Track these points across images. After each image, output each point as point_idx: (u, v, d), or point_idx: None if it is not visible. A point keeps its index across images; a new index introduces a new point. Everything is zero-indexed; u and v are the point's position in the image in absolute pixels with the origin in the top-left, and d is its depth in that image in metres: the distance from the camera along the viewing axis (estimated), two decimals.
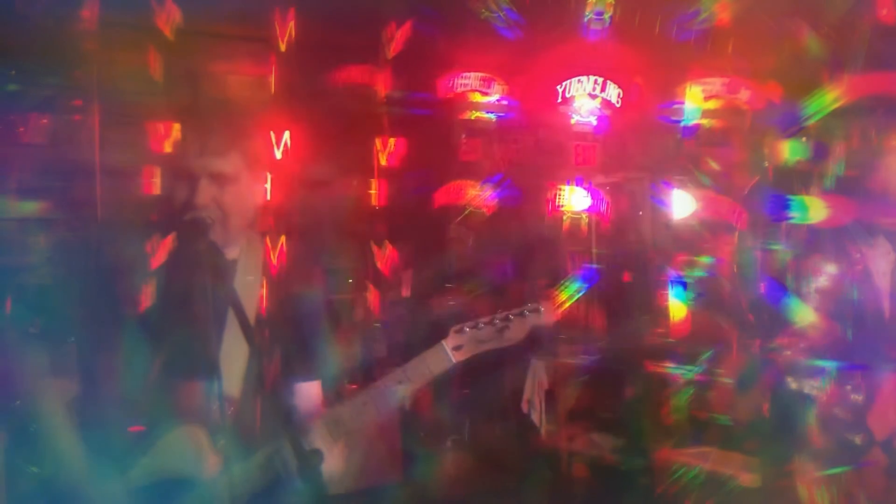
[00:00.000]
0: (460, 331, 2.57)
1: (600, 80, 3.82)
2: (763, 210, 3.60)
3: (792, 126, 3.56)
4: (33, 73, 3.60)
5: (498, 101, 3.85)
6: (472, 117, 3.84)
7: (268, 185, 4.02)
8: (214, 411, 2.55)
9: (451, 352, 2.55)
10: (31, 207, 3.57)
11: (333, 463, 2.60)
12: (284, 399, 2.65)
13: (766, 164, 3.59)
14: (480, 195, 3.67)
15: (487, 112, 3.85)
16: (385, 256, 3.91)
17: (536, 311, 2.62)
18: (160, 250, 3.90)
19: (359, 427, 2.55)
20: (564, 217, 3.75)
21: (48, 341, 3.15)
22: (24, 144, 3.65)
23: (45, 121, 3.70)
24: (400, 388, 2.57)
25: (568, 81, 3.85)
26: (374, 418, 2.55)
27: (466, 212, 3.68)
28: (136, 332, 3.41)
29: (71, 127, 3.75)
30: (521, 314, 2.58)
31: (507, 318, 2.56)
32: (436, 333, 2.87)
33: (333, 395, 2.68)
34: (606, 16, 3.83)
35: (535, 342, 3.35)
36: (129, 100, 3.81)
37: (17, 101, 3.59)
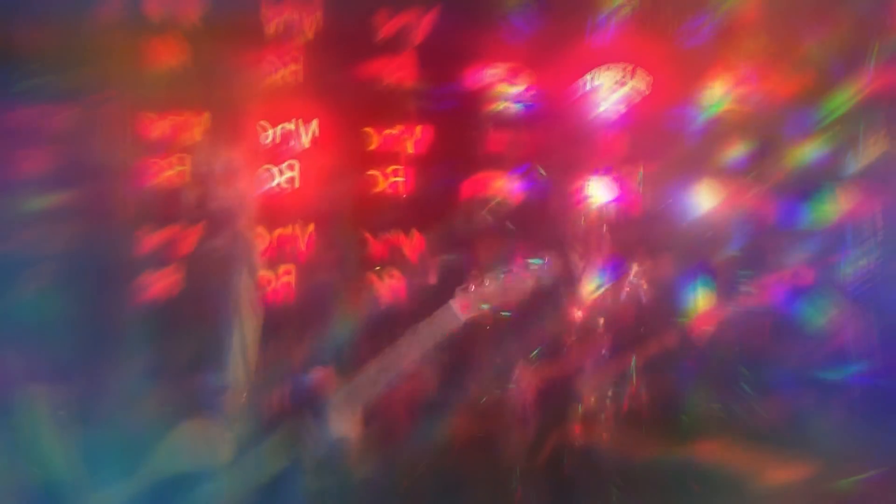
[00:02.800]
0: (466, 289, 2.57)
1: (628, 68, 3.78)
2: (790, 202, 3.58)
3: (816, 119, 3.52)
4: (59, 66, 3.64)
5: (525, 91, 3.83)
6: (499, 108, 3.83)
7: (296, 174, 4.11)
8: (231, 397, 2.61)
9: (458, 310, 2.55)
10: (56, 199, 3.65)
11: (352, 433, 2.62)
12: (301, 382, 2.70)
13: (795, 155, 3.56)
14: (507, 186, 3.66)
15: (514, 102, 3.84)
16: (412, 245, 3.94)
17: (539, 266, 2.60)
18: (186, 240, 3.95)
19: (375, 394, 2.56)
20: (591, 207, 3.75)
21: (65, 333, 3.21)
22: (51, 137, 3.71)
23: (70, 113, 3.76)
24: (411, 351, 2.59)
25: (595, 71, 3.82)
26: (389, 383, 2.56)
27: (493, 202, 3.68)
28: (156, 321, 3.46)
29: (98, 119, 3.81)
30: (525, 268, 2.57)
31: (510, 272, 2.55)
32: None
33: (349, 370, 2.68)
34: (634, 4, 3.79)
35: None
36: (157, 92, 3.86)
37: (43, 94, 3.64)
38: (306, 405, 2.56)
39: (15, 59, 3.64)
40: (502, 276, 2.56)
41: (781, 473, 3.14)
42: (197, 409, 2.66)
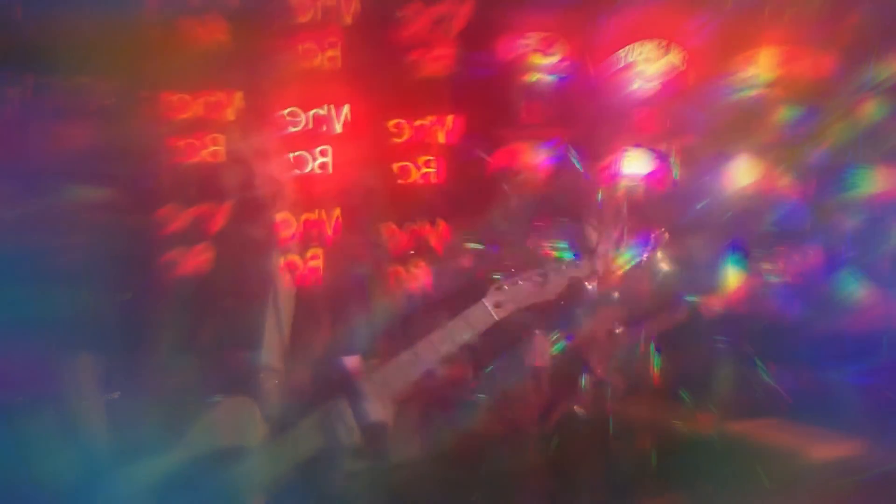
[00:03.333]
0: (500, 288, 2.53)
1: (664, 43, 3.78)
2: (829, 179, 3.50)
3: (860, 92, 3.46)
4: (96, 44, 3.69)
5: (559, 62, 3.83)
6: (533, 79, 3.83)
7: (329, 160, 4.11)
8: (263, 380, 2.60)
9: (492, 309, 2.52)
10: (96, 192, 3.66)
11: (384, 419, 2.60)
12: (331, 367, 2.67)
13: (835, 131, 3.49)
14: (537, 159, 3.62)
15: (548, 74, 3.83)
16: (439, 235, 3.90)
17: (573, 264, 2.59)
18: (216, 220, 3.94)
19: (404, 386, 2.54)
20: (623, 183, 3.69)
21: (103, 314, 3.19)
22: (86, 115, 3.75)
23: (108, 102, 3.80)
24: (443, 346, 2.58)
25: (631, 45, 3.82)
26: (418, 377, 2.54)
27: (520, 177, 3.64)
28: (189, 299, 3.44)
29: (133, 98, 3.85)
30: (559, 267, 2.55)
31: (544, 273, 2.52)
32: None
33: (379, 359, 2.66)
34: None
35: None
36: (192, 72, 3.91)
37: (79, 72, 3.70)
38: (338, 390, 2.56)
39: (52, 37, 3.72)
40: (536, 276, 2.55)
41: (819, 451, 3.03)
42: (233, 387, 2.65)
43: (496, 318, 2.53)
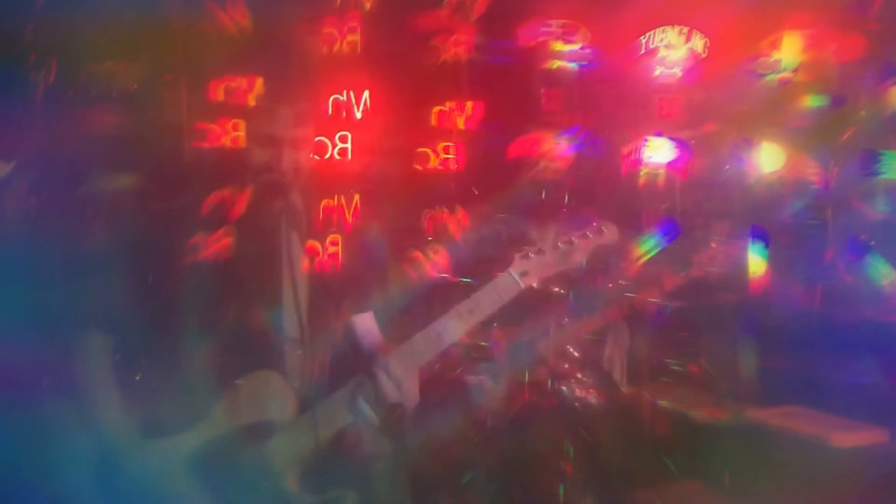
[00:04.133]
0: (525, 256, 2.50)
1: (685, 29, 3.74)
2: (855, 165, 3.45)
3: (891, 76, 3.40)
4: (121, 29, 3.70)
5: (580, 49, 3.80)
6: (554, 66, 3.81)
7: (349, 146, 4.11)
8: (288, 355, 2.61)
9: (518, 278, 2.49)
10: (120, 177, 3.68)
11: (407, 394, 2.60)
12: (353, 344, 2.67)
13: (861, 116, 3.44)
14: (557, 147, 3.61)
15: (569, 61, 3.81)
16: (458, 220, 3.89)
17: (598, 231, 2.54)
18: (238, 205, 3.95)
19: (432, 356, 2.54)
20: (643, 171, 3.67)
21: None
22: (111, 100, 3.77)
23: (131, 88, 3.81)
24: (471, 316, 2.57)
25: (652, 32, 3.78)
26: (446, 347, 2.54)
27: (541, 166, 3.62)
28: (212, 280, 3.47)
29: (157, 83, 3.86)
30: (584, 235, 2.51)
31: (569, 241, 2.49)
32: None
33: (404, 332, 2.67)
34: None
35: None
36: (215, 56, 3.92)
37: (104, 57, 3.71)
38: (360, 368, 2.56)
39: (75, 24, 3.74)
40: (561, 243, 2.51)
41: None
42: (259, 363, 2.68)
43: (522, 286, 2.49)
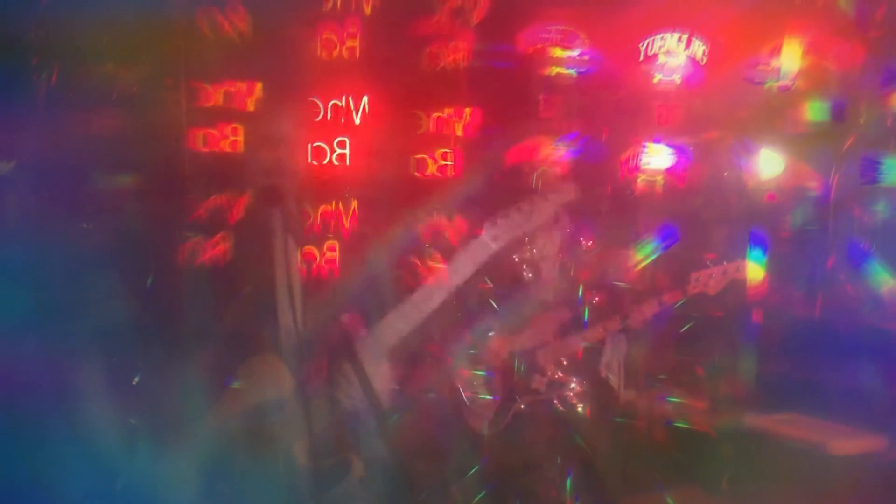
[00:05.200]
0: (493, 223, 2.76)
1: (685, 36, 3.73)
2: (855, 172, 3.44)
3: (891, 84, 3.39)
4: (120, 34, 3.71)
5: (579, 55, 3.80)
6: (553, 73, 3.81)
7: (347, 151, 4.10)
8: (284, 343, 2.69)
9: (490, 241, 2.74)
10: (119, 179, 3.69)
11: (384, 379, 2.74)
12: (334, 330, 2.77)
13: (862, 123, 3.43)
14: (555, 153, 3.59)
15: (568, 67, 3.81)
16: (455, 224, 3.88)
17: (558, 192, 2.84)
18: (236, 208, 3.96)
19: (409, 329, 2.67)
20: (641, 177, 3.66)
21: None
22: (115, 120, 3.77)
23: (131, 92, 3.81)
24: (445, 283, 2.76)
25: (651, 38, 3.78)
26: (422, 319, 2.67)
27: (538, 171, 3.61)
28: (210, 280, 3.48)
29: (156, 87, 3.87)
30: (545, 197, 2.80)
31: (531, 201, 2.77)
32: None
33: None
34: None
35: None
36: (214, 62, 3.92)
37: (103, 61, 3.72)
38: (340, 352, 2.65)
39: (76, 27, 3.75)
40: (525, 206, 2.78)
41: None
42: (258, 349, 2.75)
43: (493, 247, 2.74)
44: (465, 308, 3.10)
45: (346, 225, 4.00)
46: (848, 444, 3.04)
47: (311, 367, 2.59)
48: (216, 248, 3.85)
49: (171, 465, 2.51)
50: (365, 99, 4.02)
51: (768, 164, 3.57)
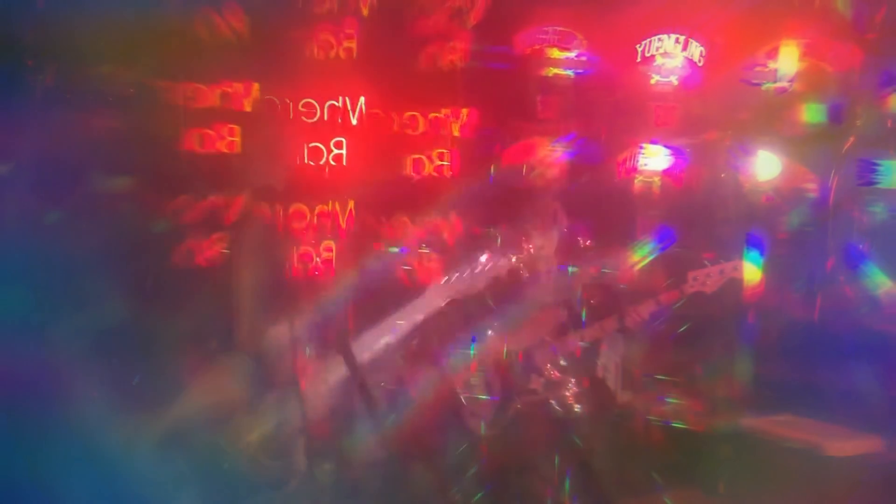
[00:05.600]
0: (447, 280, 2.93)
1: (682, 38, 3.75)
2: (852, 174, 3.45)
3: (888, 86, 3.40)
4: (117, 36, 3.70)
5: (577, 57, 3.81)
6: (550, 74, 3.81)
7: (343, 152, 4.10)
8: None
9: (437, 298, 2.90)
10: (121, 182, 3.68)
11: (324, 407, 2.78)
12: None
13: (859, 125, 3.44)
14: (552, 154, 3.60)
15: (565, 68, 3.81)
16: (451, 225, 3.89)
17: (508, 260, 3.01)
18: (230, 210, 3.99)
19: (355, 369, 2.76)
20: (637, 178, 3.67)
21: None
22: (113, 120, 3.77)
23: (128, 93, 3.81)
24: (390, 333, 2.93)
25: (648, 40, 3.79)
26: (370, 361, 2.81)
27: (534, 172, 3.61)
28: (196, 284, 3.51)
29: (154, 89, 3.87)
30: (492, 261, 2.95)
31: (477, 265, 2.90)
32: None
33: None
34: None
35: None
36: (210, 62, 3.92)
37: (101, 63, 3.71)
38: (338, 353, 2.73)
39: (73, 28, 3.74)
40: (470, 269, 2.91)
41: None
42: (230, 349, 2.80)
43: (441, 304, 2.89)
44: (463, 309, 3.11)
45: (343, 225, 4.00)
46: (845, 444, 3.04)
47: (279, 367, 2.67)
48: (212, 248, 3.85)
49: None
50: (362, 99, 4.02)
51: (766, 166, 3.58)
